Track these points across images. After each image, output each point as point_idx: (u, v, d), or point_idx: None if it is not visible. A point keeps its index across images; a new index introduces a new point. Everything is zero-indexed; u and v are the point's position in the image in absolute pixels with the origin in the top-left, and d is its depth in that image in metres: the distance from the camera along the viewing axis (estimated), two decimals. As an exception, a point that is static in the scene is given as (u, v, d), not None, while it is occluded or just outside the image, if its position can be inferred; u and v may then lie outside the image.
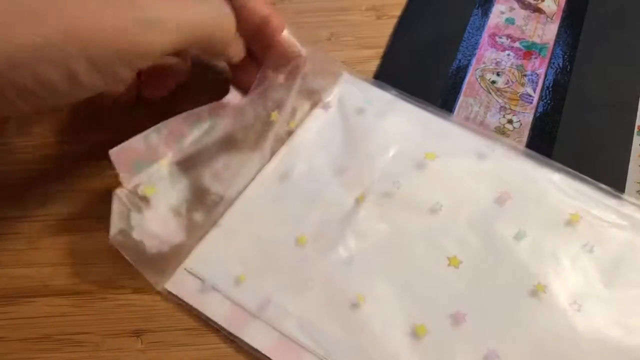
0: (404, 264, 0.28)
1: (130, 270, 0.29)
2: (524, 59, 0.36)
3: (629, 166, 0.31)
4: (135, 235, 0.27)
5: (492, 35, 0.37)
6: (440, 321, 0.27)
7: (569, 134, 0.32)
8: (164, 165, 0.29)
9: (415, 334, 0.27)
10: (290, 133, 0.33)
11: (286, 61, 0.31)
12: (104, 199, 0.31)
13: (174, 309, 0.28)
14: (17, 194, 0.31)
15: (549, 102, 0.34)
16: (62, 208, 0.31)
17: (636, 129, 0.33)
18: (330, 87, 0.34)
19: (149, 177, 0.28)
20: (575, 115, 0.33)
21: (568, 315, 0.27)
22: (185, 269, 0.29)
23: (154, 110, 0.31)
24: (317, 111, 0.34)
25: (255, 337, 0.27)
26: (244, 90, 0.31)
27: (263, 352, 0.26)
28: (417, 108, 0.33)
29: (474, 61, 0.35)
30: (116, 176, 0.28)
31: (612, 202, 0.30)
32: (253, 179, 0.31)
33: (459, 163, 0.31)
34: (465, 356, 0.26)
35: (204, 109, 0.30)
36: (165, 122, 0.29)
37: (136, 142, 0.28)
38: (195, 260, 0.29)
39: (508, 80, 0.35)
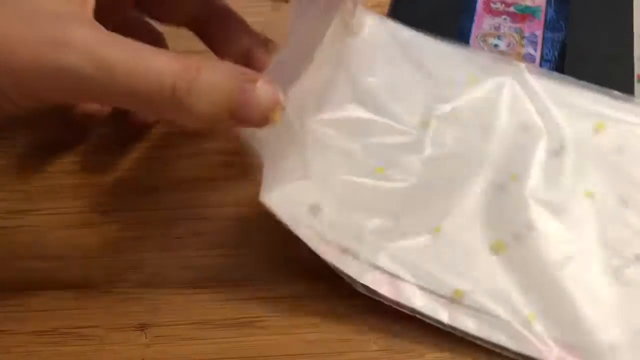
0: (473, 186, 0.29)
1: (135, 264, 0.29)
2: (520, 22, 0.37)
3: None
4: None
5: (487, 2, 0.37)
6: (515, 234, 0.28)
7: None
8: None
9: (497, 249, 0.28)
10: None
11: None
12: (111, 192, 0.31)
13: (179, 303, 0.28)
14: (25, 187, 0.31)
15: (550, 59, 0.35)
16: (69, 201, 0.31)
17: (636, 78, 0.33)
18: (360, 13, 0.33)
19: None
20: (577, 70, 0.34)
21: (619, 212, 0.28)
22: (284, 191, 0.28)
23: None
24: (354, 41, 0.33)
25: (352, 269, 0.27)
26: None
27: (362, 282, 0.27)
28: (441, 42, 0.34)
29: (474, 28, 0.36)
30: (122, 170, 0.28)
31: (628, 106, 0.31)
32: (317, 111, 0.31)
33: (501, 82, 0.32)
34: (549, 257, 0.27)
35: None
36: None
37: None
38: (293, 184, 0.28)
39: (509, 43, 0.36)
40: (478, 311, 0.26)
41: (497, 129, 0.31)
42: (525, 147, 0.30)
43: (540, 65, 0.34)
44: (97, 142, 0.33)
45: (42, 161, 0.32)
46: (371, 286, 0.27)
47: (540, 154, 0.30)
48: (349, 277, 0.27)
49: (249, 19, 0.32)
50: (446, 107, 0.31)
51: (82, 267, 0.29)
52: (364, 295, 0.27)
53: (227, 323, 0.27)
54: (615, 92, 0.31)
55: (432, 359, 0.26)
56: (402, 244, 0.28)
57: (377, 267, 0.27)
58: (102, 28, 0.22)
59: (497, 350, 0.26)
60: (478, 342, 0.26)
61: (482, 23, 0.36)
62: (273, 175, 0.27)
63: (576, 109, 0.31)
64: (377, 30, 0.33)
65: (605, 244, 0.28)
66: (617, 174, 0.29)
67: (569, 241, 0.28)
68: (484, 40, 0.36)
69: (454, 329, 0.26)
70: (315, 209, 0.28)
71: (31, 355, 0.27)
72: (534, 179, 0.29)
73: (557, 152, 0.30)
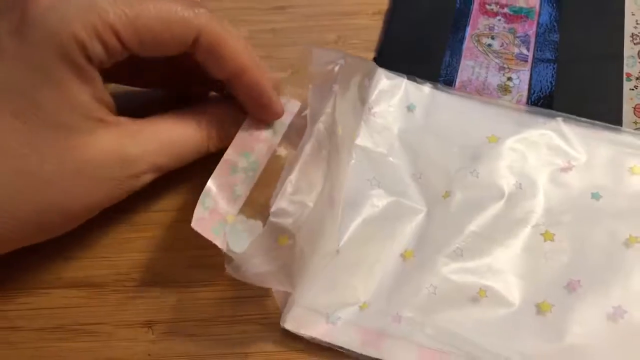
0: (507, 249, 0.28)
1: (142, 263, 0.29)
2: (514, 22, 0.38)
3: (623, 109, 0.33)
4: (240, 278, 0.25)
5: (482, 4, 0.38)
6: (558, 293, 0.27)
7: (565, 86, 0.34)
8: (230, 222, 0.27)
9: (541, 310, 0.27)
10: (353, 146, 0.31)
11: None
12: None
13: (186, 301, 0.28)
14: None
15: (542, 59, 0.36)
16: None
17: (625, 76, 0.34)
18: (372, 87, 0.33)
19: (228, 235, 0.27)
20: (568, 69, 0.35)
21: None
22: (300, 305, 0.27)
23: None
24: (369, 117, 0.32)
25: (396, 354, 0.26)
26: None
27: None
28: (456, 97, 0.33)
29: (469, 29, 0.37)
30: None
31: None
32: (331, 201, 0.28)
33: (520, 140, 0.31)
34: (595, 318, 0.26)
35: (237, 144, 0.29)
36: (210, 181, 0.27)
37: (200, 213, 0.26)
38: (308, 294, 0.27)
39: (503, 43, 0.37)
40: None
41: (527, 180, 0.30)
42: (565, 190, 0.30)
43: (533, 64, 0.35)
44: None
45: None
46: None
47: (583, 196, 0.29)
48: None
49: (259, 27, 0.33)
50: (467, 172, 0.30)
51: (90, 267, 0.29)
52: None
53: (233, 320, 0.28)
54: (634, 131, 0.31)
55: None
56: (444, 315, 0.27)
57: (420, 345, 0.26)
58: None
59: None
60: None
61: (477, 24, 0.37)
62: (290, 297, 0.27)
63: (611, 153, 0.31)
64: (392, 98, 0.33)
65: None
66: None
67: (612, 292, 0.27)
68: (478, 40, 0.37)
69: None
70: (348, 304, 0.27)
71: (40, 351, 0.27)
72: (577, 224, 0.29)
73: (596, 195, 0.29)
